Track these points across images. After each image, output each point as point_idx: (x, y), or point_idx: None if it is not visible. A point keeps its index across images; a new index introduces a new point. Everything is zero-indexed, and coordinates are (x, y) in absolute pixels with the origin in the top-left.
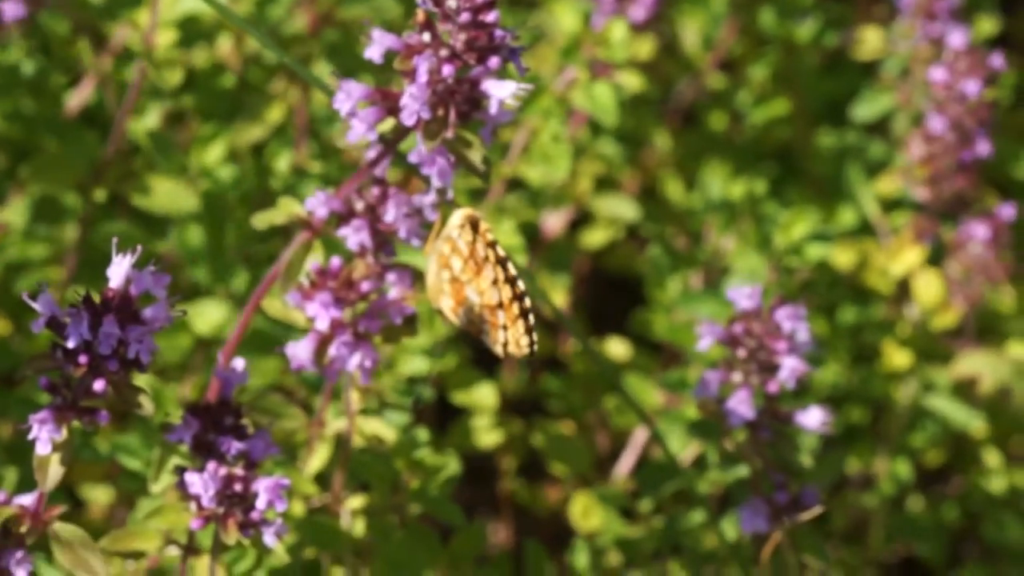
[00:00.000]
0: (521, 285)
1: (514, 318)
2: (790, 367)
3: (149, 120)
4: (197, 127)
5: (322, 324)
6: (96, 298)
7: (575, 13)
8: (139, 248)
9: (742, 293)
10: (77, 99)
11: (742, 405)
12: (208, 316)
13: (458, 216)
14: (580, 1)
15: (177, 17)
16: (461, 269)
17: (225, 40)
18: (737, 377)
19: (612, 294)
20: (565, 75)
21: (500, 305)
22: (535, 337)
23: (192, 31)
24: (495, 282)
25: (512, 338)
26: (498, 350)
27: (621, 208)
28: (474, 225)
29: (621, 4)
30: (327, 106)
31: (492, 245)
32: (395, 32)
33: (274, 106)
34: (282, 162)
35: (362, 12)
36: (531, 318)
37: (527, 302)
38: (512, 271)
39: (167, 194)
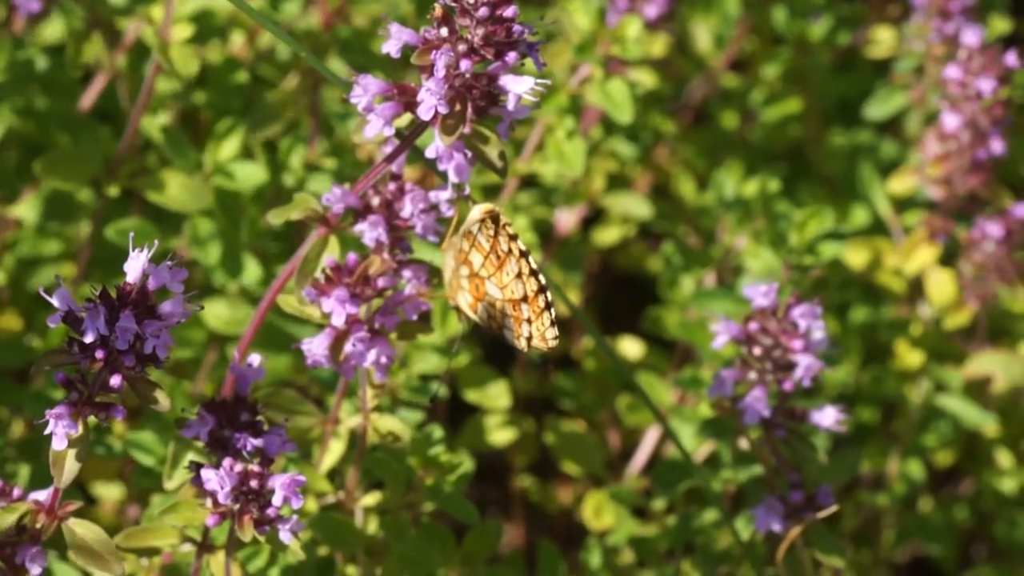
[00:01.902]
0: (543, 279)
1: (539, 311)
2: (806, 365)
3: (162, 116)
4: (210, 123)
5: (338, 320)
6: (112, 293)
7: (590, 10)
8: (155, 243)
9: (758, 291)
10: (90, 95)
11: (757, 403)
12: (222, 312)
13: (478, 211)
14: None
15: (191, 12)
16: (482, 264)
17: (238, 36)
18: (752, 375)
19: (621, 292)
20: (580, 72)
21: (524, 298)
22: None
23: (206, 27)
24: (519, 275)
25: (537, 331)
26: (521, 344)
27: (634, 206)
28: (494, 219)
29: (634, 2)
30: (340, 102)
31: (514, 238)
32: (410, 27)
33: (287, 102)
34: (295, 158)
35: (376, 8)
36: (554, 311)
37: (549, 295)
38: (535, 264)
39: (181, 190)
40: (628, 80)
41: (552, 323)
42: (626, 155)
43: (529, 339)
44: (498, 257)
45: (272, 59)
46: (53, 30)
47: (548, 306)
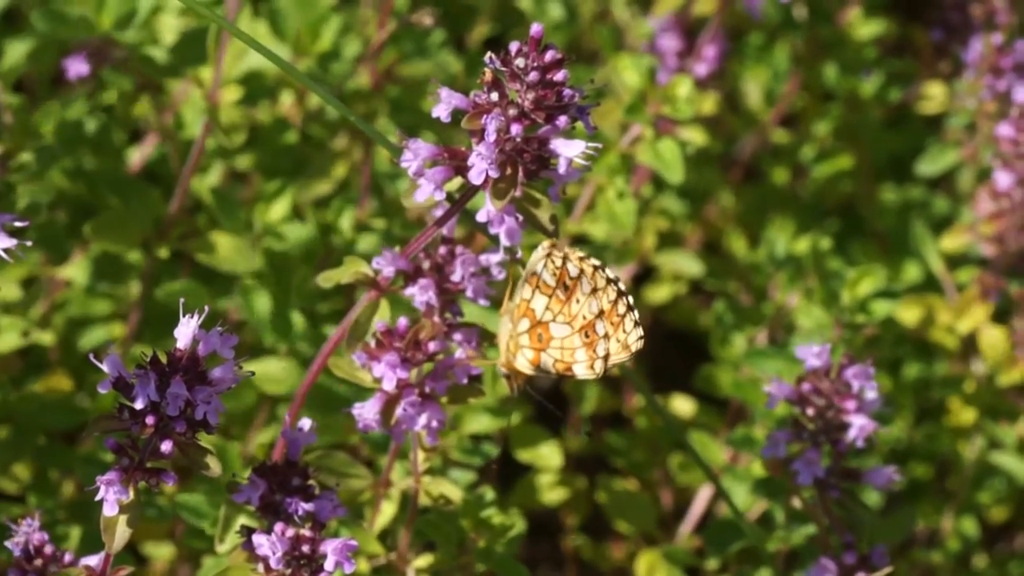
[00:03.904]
0: (622, 285)
1: (619, 320)
2: (859, 426)
3: (212, 177)
4: (260, 184)
5: (389, 385)
6: (163, 358)
7: (639, 69)
8: (206, 309)
9: (811, 351)
10: (139, 156)
11: (811, 464)
12: (273, 375)
13: (542, 248)
14: (643, 57)
15: (241, 74)
16: (546, 307)
17: (287, 96)
18: (805, 436)
19: (673, 348)
20: (630, 132)
21: (600, 314)
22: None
23: (255, 88)
24: (594, 291)
25: (617, 342)
26: (597, 368)
27: (685, 264)
28: (560, 249)
29: (684, 60)
30: (390, 162)
31: (584, 258)
32: (458, 87)
33: (337, 162)
34: (345, 219)
35: (424, 68)
36: (636, 312)
37: (631, 299)
38: (612, 274)
39: (231, 252)
40: (679, 139)
41: (636, 324)
42: (677, 212)
43: (607, 357)
44: (566, 288)
45: (322, 119)
46: (102, 92)
47: (630, 308)
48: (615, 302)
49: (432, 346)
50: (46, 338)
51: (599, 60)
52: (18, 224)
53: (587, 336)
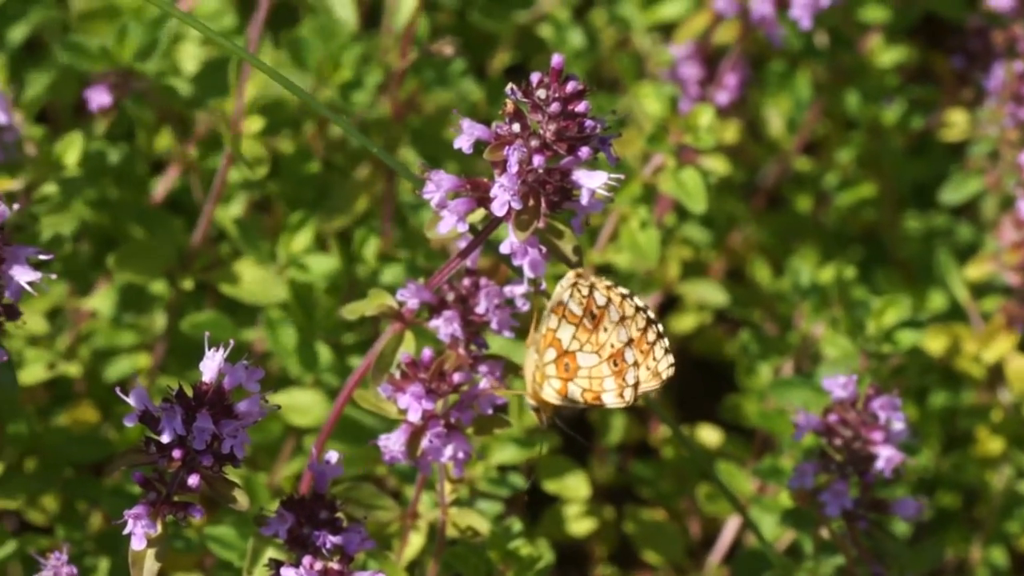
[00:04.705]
0: (651, 313)
1: (648, 347)
2: (887, 457)
3: (235, 207)
4: (283, 213)
5: (414, 416)
6: (189, 391)
7: (661, 98)
8: (231, 342)
9: (837, 383)
10: (162, 186)
11: (839, 496)
12: (299, 406)
13: (568, 277)
14: (665, 86)
15: (262, 104)
16: (572, 336)
17: (309, 125)
18: (833, 467)
19: (699, 376)
20: (652, 161)
21: (629, 342)
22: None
23: (277, 117)
24: (622, 320)
25: (647, 369)
26: (627, 397)
27: (709, 294)
28: (586, 279)
29: (706, 88)
30: (413, 192)
31: (612, 287)
32: (479, 116)
33: (360, 192)
34: (369, 250)
35: (446, 97)
36: (666, 339)
37: (660, 327)
38: (641, 302)
39: (255, 283)
40: (701, 168)
41: (666, 351)
42: (700, 241)
43: (636, 385)
44: (593, 317)
45: (344, 148)
46: (124, 122)
47: (660, 335)
48: (644, 330)
49: (457, 377)
50: (72, 370)
51: (620, 88)
52: (42, 257)
53: (616, 364)
